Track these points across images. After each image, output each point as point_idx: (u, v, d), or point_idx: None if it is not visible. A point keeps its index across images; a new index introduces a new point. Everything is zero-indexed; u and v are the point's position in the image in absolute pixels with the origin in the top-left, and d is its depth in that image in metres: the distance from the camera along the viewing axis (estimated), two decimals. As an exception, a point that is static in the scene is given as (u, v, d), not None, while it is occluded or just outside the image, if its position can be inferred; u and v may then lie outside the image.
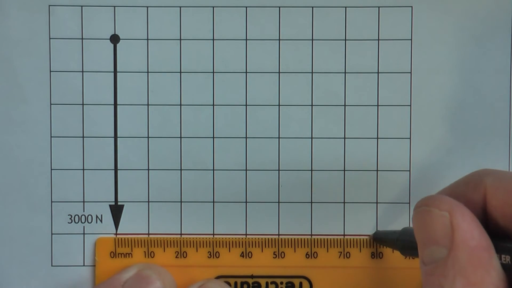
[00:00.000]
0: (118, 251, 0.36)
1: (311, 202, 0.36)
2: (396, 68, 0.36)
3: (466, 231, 0.24)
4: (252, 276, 0.36)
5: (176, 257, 0.35)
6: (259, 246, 0.36)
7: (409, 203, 0.36)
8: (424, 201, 0.26)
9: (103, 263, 0.36)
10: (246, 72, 0.36)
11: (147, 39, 0.36)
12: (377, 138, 0.36)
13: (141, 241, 0.36)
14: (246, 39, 0.36)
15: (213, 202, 0.36)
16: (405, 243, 0.32)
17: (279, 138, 0.36)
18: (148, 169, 0.36)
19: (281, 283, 0.35)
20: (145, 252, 0.35)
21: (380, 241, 0.35)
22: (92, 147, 0.36)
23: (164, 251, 0.35)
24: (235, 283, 0.36)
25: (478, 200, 0.25)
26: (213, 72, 0.36)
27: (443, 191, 0.28)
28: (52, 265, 0.36)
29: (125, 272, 0.34)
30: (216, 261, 0.35)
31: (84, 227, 0.36)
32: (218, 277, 0.35)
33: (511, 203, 0.24)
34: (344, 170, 0.36)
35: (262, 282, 0.35)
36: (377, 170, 0.36)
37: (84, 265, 0.36)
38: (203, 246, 0.36)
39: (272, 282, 0.36)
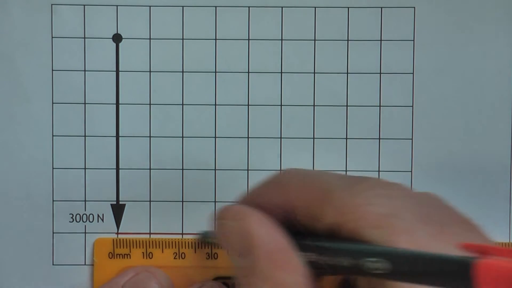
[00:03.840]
0: (116, 251, 0.36)
1: (313, 203, 0.36)
2: (398, 69, 0.36)
3: (261, 236, 0.24)
4: None
5: (174, 258, 0.35)
6: None
7: (411, 204, 0.36)
8: (219, 214, 0.26)
9: (101, 264, 0.36)
10: (248, 72, 0.36)
11: (150, 39, 0.36)
12: (379, 138, 0.36)
13: (140, 241, 0.35)
14: (249, 39, 0.36)
15: (215, 202, 0.36)
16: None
17: (280, 138, 0.36)
18: (150, 169, 0.36)
19: None
20: (143, 253, 0.35)
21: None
22: (94, 146, 0.36)
23: (163, 252, 0.35)
24: (233, 284, 0.35)
25: (283, 201, 0.26)
26: (215, 72, 0.36)
27: (250, 192, 0.28)
28: (53, 264, 0.36)
29: (123, 275, 0.34)
30: (215, 262, 0.35)
31: (85, 226, 0.36)
32: (216, 278, 0.35)
33: (313, 204, 0.24)
34: (346, 171, 0.36)
35: None
36: (379, 171, 0.36)
37: (85, 264, 0.36)
38: (202, 247, 0.35)
39: None
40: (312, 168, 0.36)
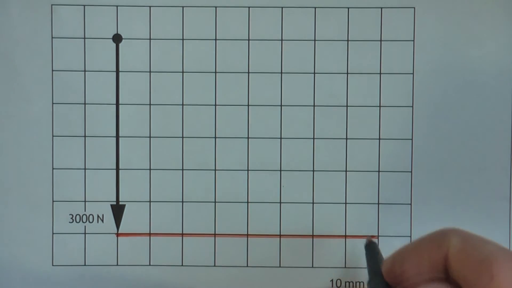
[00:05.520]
0: None
1: (313, 203, 0.36)
2: (398, 69, 0.36)
3: None
4: None
5: None
6: None
7: (411, 204, 0.36)
8: None
9: None
10: (248, 72, 0.36)
11: (150, 39, 0.36)
12: (379, 139, 0.36)
13: None
14: (249, 39, 0.36)
15: (215, 202, 0.36)
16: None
17: (281, 138, 0.36)
18: (150, 169, 0.36)
19: None
20: None
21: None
22: (94, 146, 0.36)
23: None
24: None
25: (440, 259, 0.25)
26: (215, 72, 0.36)
27: (408, 246, 0.28)
28: (53, 265, 0.36)
29: None
30: None
31: (85, 226, 0.36)
32: None
33: (470, 267, 0.24)
34: (346, 171, 0.36)
35: None
36: (378, 171, 0.36)
37: (85, 265, 0.36)
38: None
39: None
40: (312, 168, 0.36)
